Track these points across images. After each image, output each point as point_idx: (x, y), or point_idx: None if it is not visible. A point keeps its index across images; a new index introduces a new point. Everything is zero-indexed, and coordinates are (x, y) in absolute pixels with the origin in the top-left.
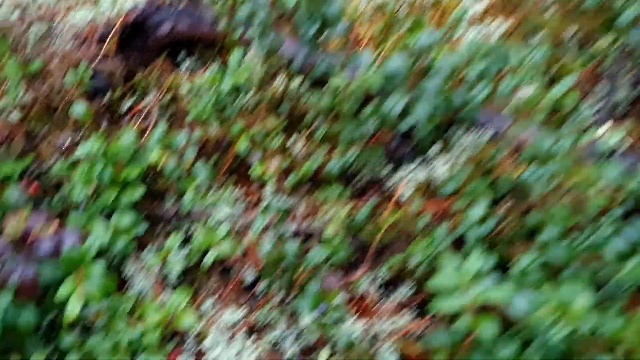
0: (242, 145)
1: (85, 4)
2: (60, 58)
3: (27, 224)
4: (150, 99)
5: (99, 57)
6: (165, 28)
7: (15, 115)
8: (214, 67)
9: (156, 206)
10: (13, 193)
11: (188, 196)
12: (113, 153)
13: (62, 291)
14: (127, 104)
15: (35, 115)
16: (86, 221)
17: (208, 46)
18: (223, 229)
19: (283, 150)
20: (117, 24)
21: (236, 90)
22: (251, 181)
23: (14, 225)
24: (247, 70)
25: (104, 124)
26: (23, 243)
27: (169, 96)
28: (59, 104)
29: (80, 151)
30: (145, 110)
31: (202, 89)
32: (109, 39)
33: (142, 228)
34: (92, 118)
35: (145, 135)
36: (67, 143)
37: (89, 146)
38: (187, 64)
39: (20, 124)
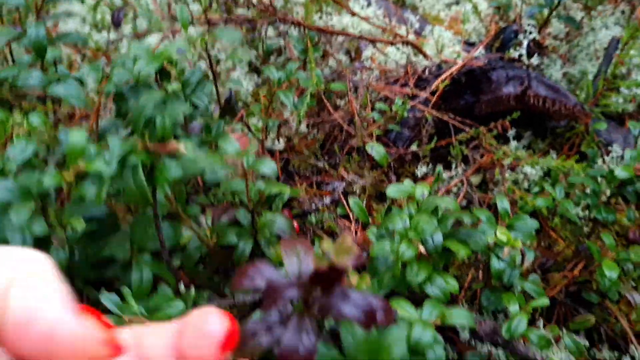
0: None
1: (399, 44)
2: (365, 87)
3: None
4: (459, 171)
5: (415, 101)
6: (513, 88)
7: (281, 142)
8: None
9: None
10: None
11: None
12: None
13: None
14: (423, 168)
15: (310, 144)
16: None
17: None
18: None
19: None
20: (449, 71)
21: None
22: None
23: None
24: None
25: (393, 178)
26: None
27: (481, 174)
28: (348, 138)
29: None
30: (450, 183)
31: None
32: (433, 85)
33: None
34: (387, 165)
35: None
36: (340, 188)
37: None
38: (520, 141)
39: (289, 152)
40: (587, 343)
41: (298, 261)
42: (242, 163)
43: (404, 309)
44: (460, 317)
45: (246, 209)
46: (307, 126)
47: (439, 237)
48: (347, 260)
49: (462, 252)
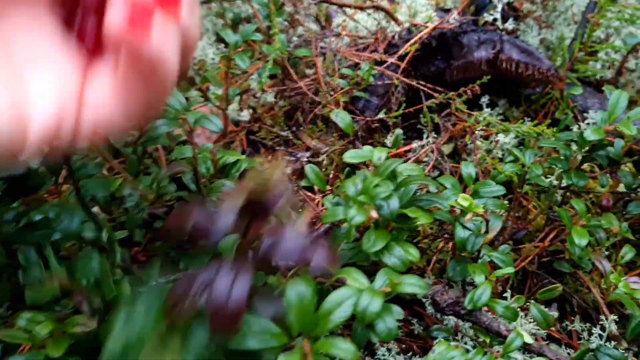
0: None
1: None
2: (332, 54)
3: None
4: (430, 140)
5: (383, 67)
6: (485, 52)
7: (245, 113)
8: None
9: None
10: None
11: None
12: None
13: None
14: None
15: (276, 115)
16: None
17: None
18: None
19: None
20: (418, 35)
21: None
22: None
23: None
24: None
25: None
26: None
27: (453, 143)
28: (313, 106)
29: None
30: (420, 152)
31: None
32: (401, 50)
33: None
34: (353, 134)
35: None
36: (304, 159)
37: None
38: (494, 109)
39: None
40: (556, 314)
41: (233, 204)
42: (187, 119)
43: (353, 277)
44: (413, 285)
45: (193, 172)
46: (276, 96)
47: (394, 203)
48: (277, 180)
49: (422, 219)
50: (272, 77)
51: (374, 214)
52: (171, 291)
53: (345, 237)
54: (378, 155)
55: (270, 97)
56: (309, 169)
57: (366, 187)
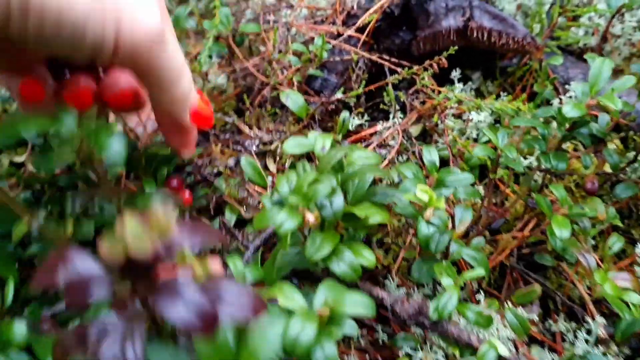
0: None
1: None
2: (284, 27)
3: None
4: (397, 121)
5: (340, 40)
6: (454, 20)
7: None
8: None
9: None
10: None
11: None
12: None
13: None
14: (356, 120)
15: (226, 99)
16: None
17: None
18: None
19: None
20: (379, 4)
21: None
22: None
23: None
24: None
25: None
26: None
27: (422, 123)
28: (263, 88)
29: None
30: (384, 135)
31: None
32: (359, 21)
33: None
34: (308, 118)
35: None
36: (253, 147)
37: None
38: (467, 84)
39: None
40: (537, 313)
41: (122, 245)
42: None
43: (286, 295)
44: (357, 304)
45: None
46: (228, 79)
47: (338, 201)
48: (161, 239)
49: (376, 217)
50: (224, 57)
51: (310, 217)
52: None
53: (280, 245)
54: (321, 143)
55: (221, 80)
56: (244, 162)
57: (299, 185)
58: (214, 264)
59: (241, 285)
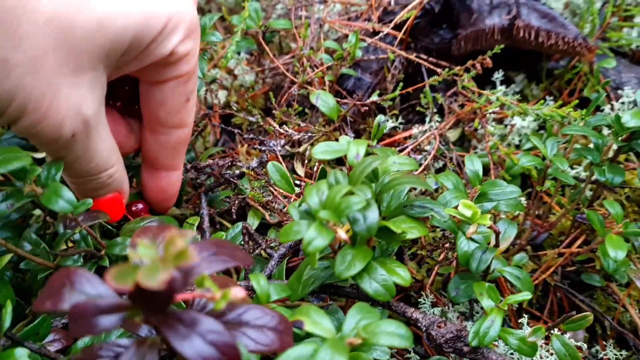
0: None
1: None
2: (316, 23)
3: None
4: (433, 125)
5: (375, 38)
6: (498, 18)
7: (221, 95)
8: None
9: None
10: None
11: None
12: None
13: None
14: (390, 123)
15: (254, 97)
16: None
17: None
18: None
19: None
20: (418, 0)
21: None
22: None
23: None
24: None
25: (350, 135)
26: None
27: (460, 128)
28: (292, 87)
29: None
30: (420, 139)
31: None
32: (396, 18)
33: None
34: (339, 120)
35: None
36: (278, 148)
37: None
38: (510, 87)
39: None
40: (584, 337)
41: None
42: None
43: (312, 320)
44: (391, 335)
45: None
46: (257, 77)
47: (372, 215)
48: (176, 268)
49: (414, 232)
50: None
51: (341, 234)
52: None
53: (308, 261)
54: (355, 150)
55: (249, 77)
56: (271, 167)
57: (331, 198)
58: (236, 291)
59: (266, 311)
